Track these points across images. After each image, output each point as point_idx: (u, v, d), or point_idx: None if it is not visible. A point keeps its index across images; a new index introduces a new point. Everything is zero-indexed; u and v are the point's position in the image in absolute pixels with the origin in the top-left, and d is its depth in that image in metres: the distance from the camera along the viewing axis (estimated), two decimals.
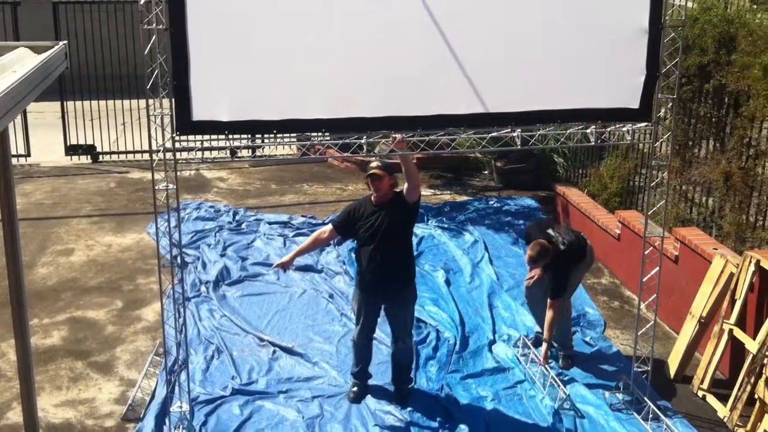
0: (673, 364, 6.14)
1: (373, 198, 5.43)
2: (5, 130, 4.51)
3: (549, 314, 5.96)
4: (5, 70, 4.26)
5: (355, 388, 5.69)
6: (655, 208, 5.91)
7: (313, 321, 6.81)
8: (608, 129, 5.27)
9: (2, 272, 7.21)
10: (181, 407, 5.08)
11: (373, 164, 5.40)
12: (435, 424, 5.38)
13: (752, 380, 5.41)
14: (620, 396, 5.72)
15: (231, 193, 10.27)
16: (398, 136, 4.94)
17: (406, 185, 5.37)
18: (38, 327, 6.63)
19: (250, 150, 11.10)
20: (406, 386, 5.74)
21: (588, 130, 5.21)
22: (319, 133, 5.01)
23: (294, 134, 5.13)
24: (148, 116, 4.64)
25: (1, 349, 6.35)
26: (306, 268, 7.81)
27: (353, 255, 7.76)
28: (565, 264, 5.99)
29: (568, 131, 5.21)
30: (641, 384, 5.70)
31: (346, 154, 5.20)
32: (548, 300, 5.99)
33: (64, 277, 7.71)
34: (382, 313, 5.66)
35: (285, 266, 5.73)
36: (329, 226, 5.69)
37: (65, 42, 4.92)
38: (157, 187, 4.80)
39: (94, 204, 9.77)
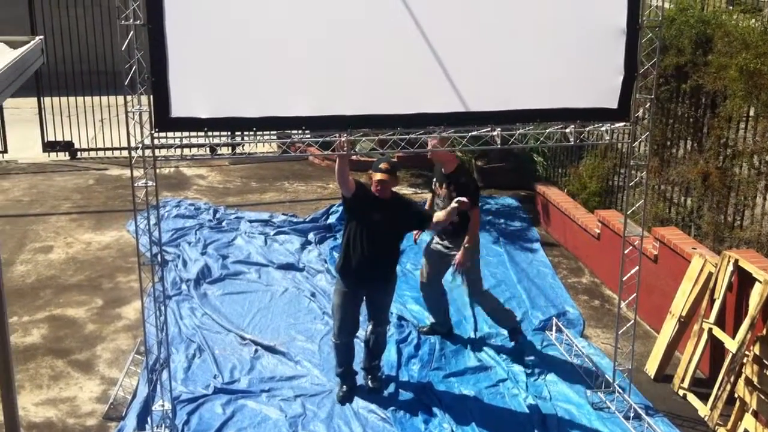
0: (654, 363, 6.19)
1: (374, 192, 5.45)
2: None
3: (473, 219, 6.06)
4: None
5: (344, 388, 5.68)
6: (634, 208, 5.96)
7: (295, 319, 6.80)
8: (587, 129, 5.31)
9: None
10: (163, 406, 5.06)
11: (383, 166, 5.41)
12: (418, 422, 5.39)
13: (732, 379, 5.47)
14: (602, 395, 5.76)
15: (211, 191, 10.22)
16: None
17: (434, 221, 5.64)
18: (17, 325, 6.56)
19: (230, 147, 11.15)
20: (377, 372, 5.81)
21: (567, 130, 5.24)
22: (300, 131, 5.00)
23: (274, 132, 5.12)
24: (126, 113, 4.60)
25: None
26: (287, 267, 7.80)
27: (335, 253, 7.78)
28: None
29: (548, 131, 5.24)
30: (622, 383, 5.75)
31: (327, 152, 5.19)
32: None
33: (44, 274, 7.64)
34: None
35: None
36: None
37: (41, 37, 4.87)
38: (136, 185, 4.77)
39: (73, 201, 9.69)
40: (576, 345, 6.42)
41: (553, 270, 7.98)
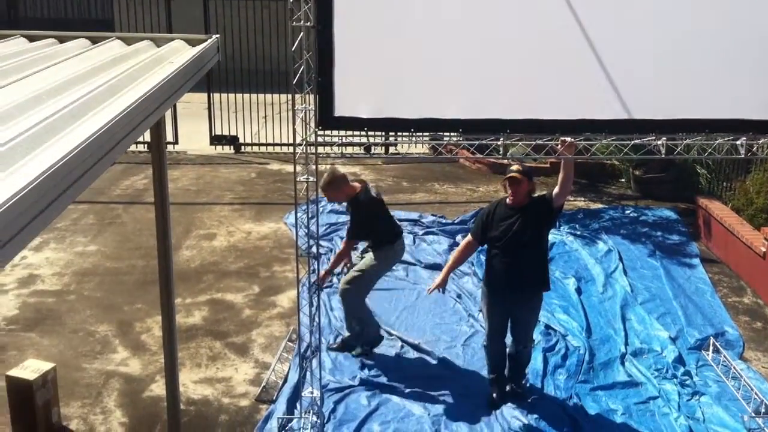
0: None
1: (508, 200, 5.40)
2: (161, 119, 4.79)
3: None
4: (163, 60, 4.53)
5: (494, 395, 5.66)
6: None
7: (440, 320, 6.85)
8: (760, 141, 5.01)
9: (149, 252, 7.70)
10: (312, 393, 5.23)
11: (514, 167, 5.37)
12: None
13: None
14: (760, 421, 5.44)
15: None
16: (568, 139, 4.87)
17: (556, 189, 5.31)
18: (181, 306, 6.98)
19: (383, 147, 11.36)
20: (521, 381, 5.74)
21: (738, 142, 4.98)
22: (454, 133, 5.02)
23: (427, 133, 5.17)
24: (294, 111, 4.77)
25: (147, 325, 6.75)
26: (434, 267, 7.86)
27: (482, 257, 7.77)
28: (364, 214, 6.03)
29: (716, 142, 5.00)
30: None
31: (478, 155, 5.19)
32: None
33: (207, 260, 8.10)
34: None
35: (443, 287, 5.68)
36: (469, 238, 5.67)
37: (218, 36, 5.16)
38: (297, 179, 4.94)
39: (236, 192, 10.20)
40: (734, 367, 6.10)
41: (712, 287, 7.61)
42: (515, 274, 5.37)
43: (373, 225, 6.10)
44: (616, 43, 4.71)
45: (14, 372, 5.23)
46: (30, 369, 5.20)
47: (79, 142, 2.83)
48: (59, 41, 4.95)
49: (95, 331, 6.65)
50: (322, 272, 6.04)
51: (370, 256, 6.17)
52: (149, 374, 6.04)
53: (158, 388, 5.78)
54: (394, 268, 7.73)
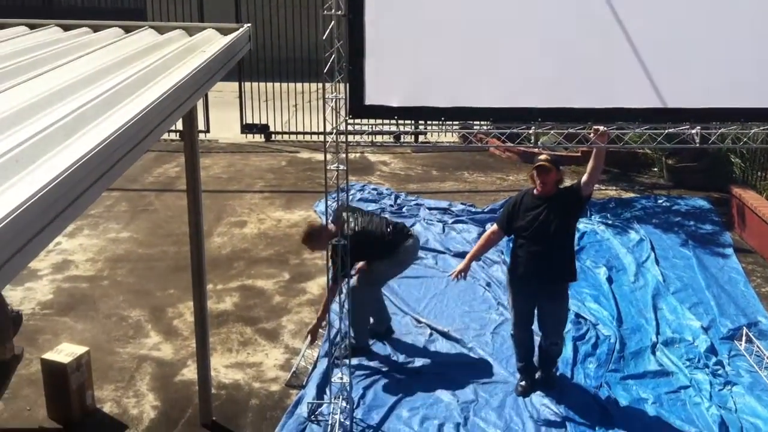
0: None
1: (536, 190, 5.37)
2: (194, 107, 4.84)
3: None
4: (195, 49, 4.57)
5: (522, 383, 5.64)
6: None
7: (469, 307, 6.85)
8: None
9: (181, 239, 7.79)
10: (341, 378, 5.27)
11: (542, 156, 5.34)
12: (591, 422, 5.28)
13: None
14: None
15: (393, 177, 10.47)
16: (601, 128, 4.83)
17: (584, 177, 5.26)
18: (212, 292, 7.05)
19: (412, 135, 11.35)
20: (550, 370, 5.72)
21: None
22: (484, 122, 5.00)
23: (457, 122, 5.15)
24: (324, 99, 4.79)
25: (179, 310, 6.83)
26: (463, 255, 7.81)
27: (512, 245, 7.75)
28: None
29: (752, 131, 4.93)
30: None
31: (508, 144, 5.17)
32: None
33: (238, 247, 8.17)
34: None
35: (465, 273, 5.68)
36: (495, 227, 5.66)
37: (249, 24, 5.19)
38: (328, 167, 4.96)
39: (266, 180, 10.27)
40: (767, 357, 6.03)
41: (745, 277, 7.52)
42: (541, 264, 5.33)
43: (361, 254, 5.95)
44: (650, 31, 4.65)
45: (49, 355, 5.34)
46: (64, 353, 5.31)
47: (113, 131, 2.88)
48: (93, 30, 5.02)
49: (128, 316, 6.76)
50: (311, 327, 6.02)
51: (374, 266, 6.11)
52: (181, 359, 6.13)
53: (190, 373, 5.86)
54: (422, 255, 7.77)
